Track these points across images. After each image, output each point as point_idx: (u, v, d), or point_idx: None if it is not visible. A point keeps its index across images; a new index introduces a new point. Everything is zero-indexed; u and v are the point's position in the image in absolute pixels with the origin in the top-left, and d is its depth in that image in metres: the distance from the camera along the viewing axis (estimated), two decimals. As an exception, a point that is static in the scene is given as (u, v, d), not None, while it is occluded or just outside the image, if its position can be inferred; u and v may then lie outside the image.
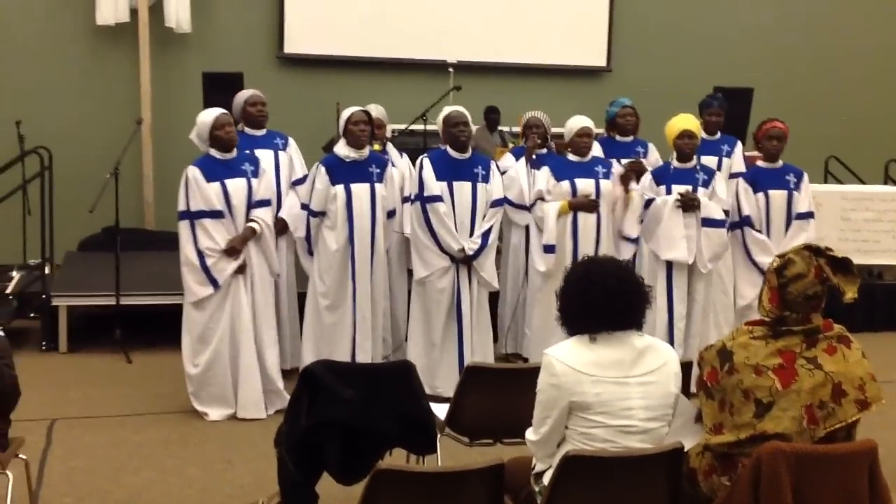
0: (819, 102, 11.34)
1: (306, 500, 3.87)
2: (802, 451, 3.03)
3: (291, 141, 6.43)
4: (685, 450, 3.35)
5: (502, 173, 6.71)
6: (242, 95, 6.27)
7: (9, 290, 7.31)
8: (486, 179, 6.10)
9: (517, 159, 6.78)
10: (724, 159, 6.98)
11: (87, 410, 5.71)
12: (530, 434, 3.26)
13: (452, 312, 6.05)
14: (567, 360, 3.11)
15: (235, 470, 4.88)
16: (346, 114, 5.96)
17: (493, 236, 6.09)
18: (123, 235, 7.58)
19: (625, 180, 6.31)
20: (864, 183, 9.88)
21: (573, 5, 10.86)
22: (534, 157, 6.62)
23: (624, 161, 6.66)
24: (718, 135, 7.09)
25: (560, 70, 10.89)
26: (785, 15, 11.37)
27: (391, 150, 6.78)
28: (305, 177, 6.22)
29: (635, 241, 6.30)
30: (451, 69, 9.59)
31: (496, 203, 6.15)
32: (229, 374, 5.66)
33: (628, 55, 10.97)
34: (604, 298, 3.13)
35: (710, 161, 6.88)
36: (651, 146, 7.14)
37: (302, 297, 6.17)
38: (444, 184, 6.01)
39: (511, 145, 9.24)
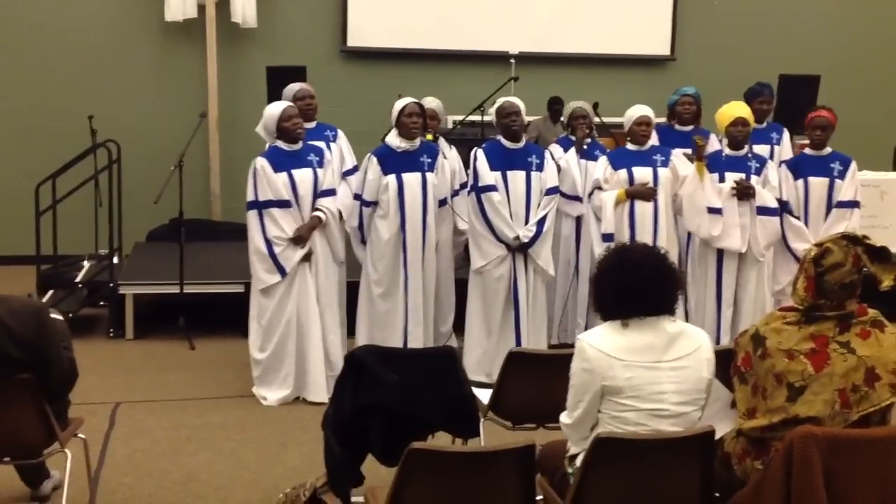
0: (888, 89, 11.09)
1: (351, 480, 3.99)
2: (834, 435, 3.04)
3: (341, 133, 6.55)
4: (720, 435, 3.39)
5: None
6: (291, 89, 6.39)
7: (78, 279, 7.57)
8: (539, 168, 6.16)
9: (565, 150, 6.79)
10: (775, 147, 6.93)
11: (150, 394, 5.91)
12: (564, 417, 3.32)
13: (510, 300, 6.13)
14: (599, 345, 3.15)
15: (289, 452, 5.02)
16: (399, 105, 6.05)
17: (548, 223, 6.13)
18: (190, 226, 7.82)
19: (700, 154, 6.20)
20: (934, 171, 9.66)
21: (637, -6, 10.80)
22: (584, 146, 6.64)
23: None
24: (765, 124, 7.02)
25: (623, 60, 10.82)
26: (852, 2, 11.15)
27: (442, 143, 6.84)
28: (355, 168, 6.33)
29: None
30: (512, 60, 9.63)
31: (550, 191, 6.19)
32: (294, 358, 5.82)
33: (692, 44, 10.85)
34: (636, 285, 3.16)
35: (762, 150, 6.85)
36: (712, 135, 7.09)
37: (355, 286, 6.27)
38: (498, 173, 6.07)
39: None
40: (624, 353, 3.13)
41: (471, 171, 6.16)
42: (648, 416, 3.13)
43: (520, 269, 6.12)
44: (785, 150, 7.06)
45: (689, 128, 7.02)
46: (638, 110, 6.40)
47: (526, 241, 6.05)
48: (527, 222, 6.09)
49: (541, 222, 6.10)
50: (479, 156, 6.11)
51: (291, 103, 5.98)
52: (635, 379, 3.12)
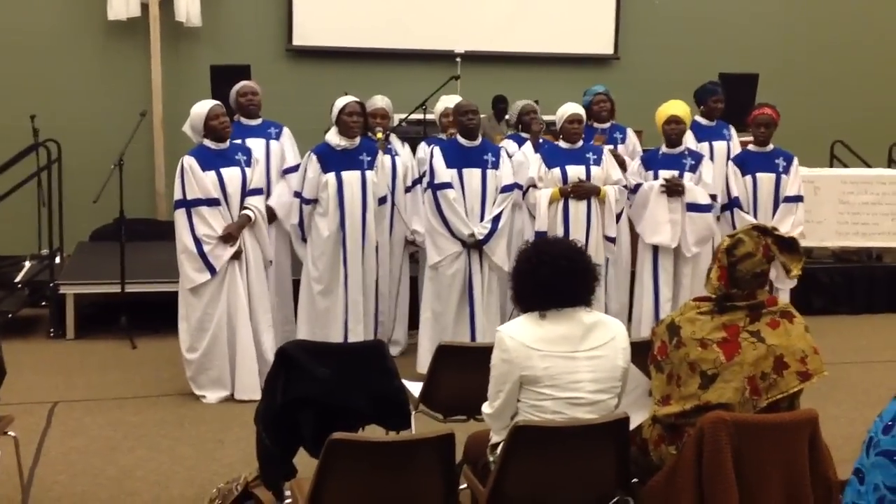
0: (825, 87, 11.34)
1: (283, 474, 4.02)
2: (742, 419, 3.15)
3: (286, 130, 6.59)
4: (639, 422, 3.49)
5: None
6: (235, 87, 6.44)
7: (18, 279, 7.54)
8: (495, 166, 6.24)
9: (519, 146, 6.88)
10: (730, 143, 7.10)
11: (88, 394, 5.90)
12: (486, 407, 3.40)
13: (465, 296, 6.21)
14: (517, 336, 3.24)
15: (225, 449, 5.05)
16: (340, 103, 6.10)
17: (503, 221, 6.21)
18: (134, 226, 7.81)
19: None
20: (869, 167, 9.88)
21: (580, -6, 10.93)
22: (540, 140, 6.74)
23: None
24: (715, 122, 7.19)
25: (568, 59, 10.94)
26: (790, 2, 11.37)
27: (394, 140, 6.90)
28: (297, 166, 6.38)
29: (613, 240, 6.36)
30: (458, 59, 9.70)
31: (506, 189, 6.27)
32: (226, 357, 5.84)
33: (635, 43, 11.02)
34: (553, 277, 3.25)
35: (719, 146, 7.03)
36: (629, 131, 7.26)
37: (296, 284, 6.31)
38: (454, 171, 6.15)
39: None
40: (541, 344, 3.22)
41: (427, 169, 6.23)
42: (565, 404, 3.21)
43: (475, 265, 6.20)
44: (735, 146, 7.23)
45: (607, 125, 7.16)
46: (570, 108, 6.45)
47: (481, 237, 6.13)
48: (482, 219, 6.17)
49: (496, 219, 6.18)
50: (436, 153, 6.18)
51: (218, 102, 5.97)
52: (552, 368, 3.20)
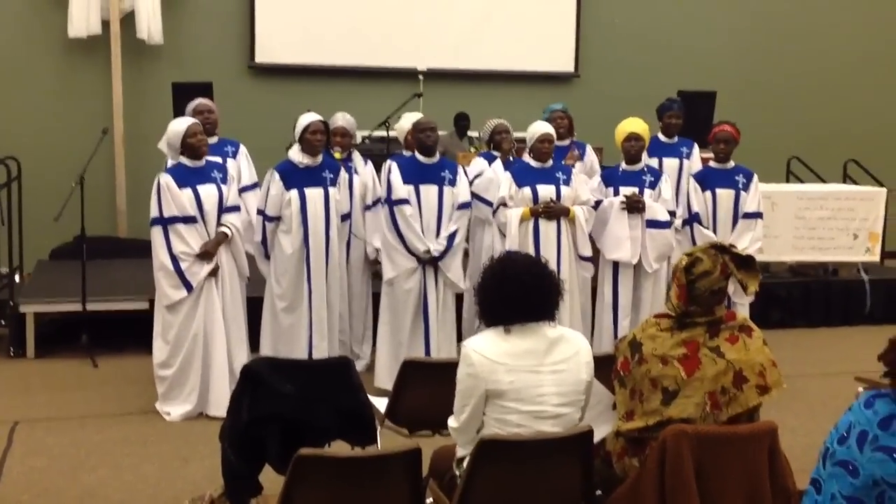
0: (781, 105, 11.55)
1: (249, 490, 4.02)
2: (704, 432, 3.21)
3: (242, 148, 6.60)
4: (602, 436, 3.54)
5: (477, 176, 6.90)
6: (191, 105, 6.44)
7: (-25, 298, 7.46)
8: (452, 183, 6.28)
9: (489, 164, 6.94)
10: (685, 161, 7.20)
11: (50, 412, 5.86)
12: (451, 421, 3.43)
13: (419, 312, 6.24)
14: (483, 351, 3.28)
15: (190, 467, 5.03)
16: (303, 121, 6.10)
17: (459, 238, 6.26)
18: (95, 243, 7.77)
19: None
20: (825, 182, 10.08)
21: (541, 13, 11.05)
22: (510, 158, 6.80)
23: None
24: (676, 138, 7.29)
25: (529, 76, 11.07)
26: (747, 21, 11.58)
27: (356, 157, 6.93)
28: (255, 185, 6.39)
29: (590, 259, 6.43)
30: (420, 76, 9.77)
31: (463, 206, 6.32)
32: (200, 374, 5.84)
33: (595, 61, 11.17)
34: (517, 292, 3.29)
35: (671, 163, 7.11)
36: (588, 147, 7.36)
37: (257, 301, 6.31)
38: (411, 187, 6.19)
39: (473, 150, 9.43)
40: (507, 358, 3.26)
41: (383, 184, 6.26)
42: (530, 417, 3.26)
43: (430, 281, 6.23)
44: (695, 163, 7.32)
45: (566, 142, 7.24)
46: (540, 127, 6.47)
47: (437, 254, 6.17)
48: (438, 236, 6.21)
49: (451, 236, 6.23)
50: (393, 169, 6.22)
51: (196, 120, 6.00)
52: (517, 382, 3.24)
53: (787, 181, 10.48)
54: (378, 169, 6.91)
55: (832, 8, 11.86)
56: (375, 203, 6.68)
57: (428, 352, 6.19)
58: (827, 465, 2.40)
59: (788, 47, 11.64)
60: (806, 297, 8.65)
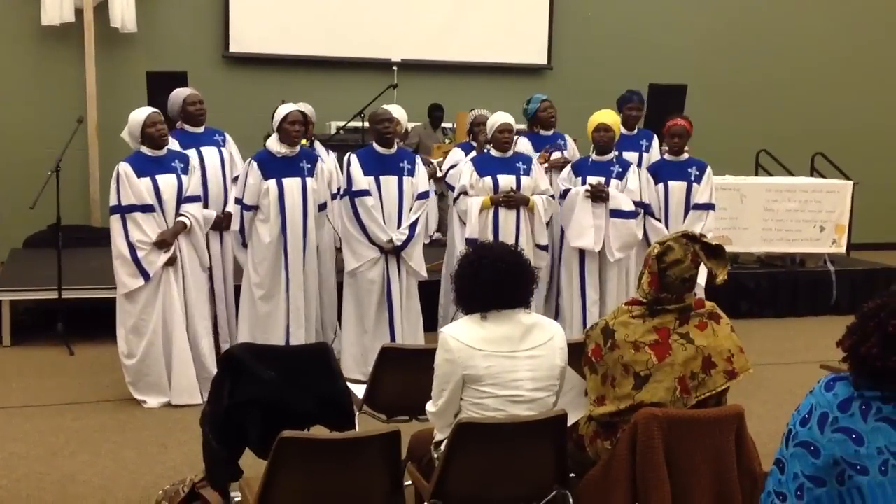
0: (751, 99, 11.73)
1: (229, 475, 4.09)
2: (673, 415, 3.32)
3: (229, 137, 6.65)
4: (574, 420, 3.64)
5: (452, 167, 6.97)
6: (181, 94, 6.45)
7: (-49, 286, 7.45)
8: (411, 173, 6.36)
9: (466, 154, 7.01)
10: (644, 154, 7.29)
11: (27, 400, 5.89)
12: (430, 406, 3.53)
13: (383, 301, 6.32)
14: (460, 337, 3.37)
15: (169, 453, 5.09)
16: (282, 111, 6.15)
17: (419, 227, 6.35)
18: (69, 232, 7.78)
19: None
20: (793, 175, 10.25)
21: (515, 5, 11.16)
22: (486, 151, 6.87)
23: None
24: (637, 130, 7.39)
25: (502, 68, 11.17)
26: (719, 17, 11.74)
27: (319, 147, 6.99)
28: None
29: (546, 248, 6.57)
30: (394, 67, 9.84)
31: (421, 195, 6.40)
32: (163, 363, 5.87)
33: (568, 54, 11.29)
34: (493, 280, 3.39)
35: (630, 156, 7.19)
36: (568, 138, 7.43)
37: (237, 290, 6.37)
38: (372, 178, 6.26)
39: (448, 141, 9.52)
40: (483, 344, 3.36)
41: (344, 176, 6.33)
42: (506, 401, 3.36)
43: (392, 270, 6.32)
44: (654, 155, 7.41)
45: (552, 132, 7.32)
46: (500, 117, 6.54)
47: (399, 244, 6.25)
48: (399, 226, 6.29)
49: (413, 225, 6.31)
50: (353, 161, 6.28)
51: (156, 109, 6.01)
52: (494, 367, 3.34)
53: (756, 174, 10.65)
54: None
55: (802, 6, 12.05)
56: (340, 192, 6.69)
57: (393, 339, 6.28)
58: (789, 446, 2.50)
59: (759, 43, 11.81)
60: (774, 287, 8.81)
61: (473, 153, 6.95)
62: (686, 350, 3.46)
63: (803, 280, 8.91)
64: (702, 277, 6.22)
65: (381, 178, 6.27)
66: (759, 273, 8.85)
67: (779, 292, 8.82)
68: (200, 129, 6.48)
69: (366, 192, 6.21)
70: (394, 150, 6.36)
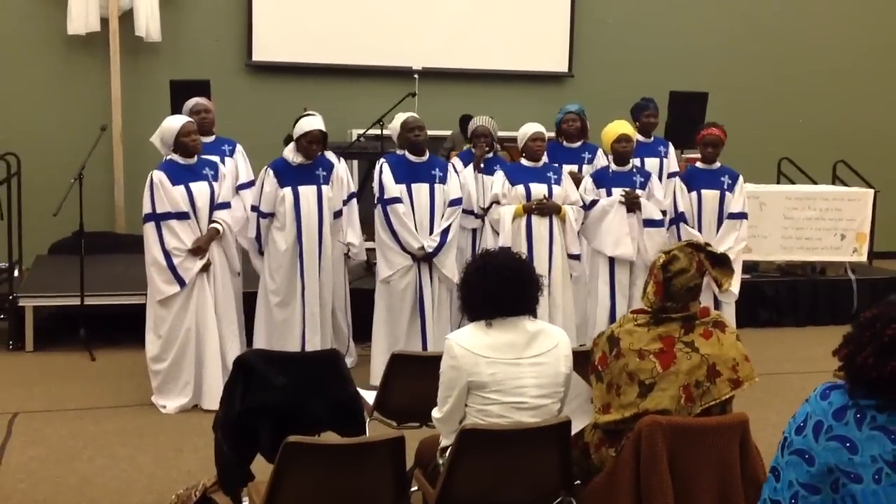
0: (773, 106, 11.67)
1: (241, 479, 4.14)
2: (677, 423, 3.34)
3: (239, 147, 6.72)
4: (580, 427, 3.67)
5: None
6: (188, 104, 6.55)
7: (-23, 292, 7.58)
8: (443, 181, 6.41)
9: (465, 164, 7.04)
10: (664, 160, 7.30)
11: (48, 405, 5.98)
12: (435, 412, 3.57)
13: (416, 309, 6.36)
14: (465, 344, 3.41)
15: (184, 457, 5.16)
16: (304, 127, 6.19)
17: (452, 234, 6.38)
18: (93, 239, 7.88)
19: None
20: (815, 183, 10.20)
21: (536, 13, 11.15)
22: (482, 164, 6.89)
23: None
24: (653, 137, 7.39)
25: (523, 76, 11.18)
26: (740, 22, 11.69)
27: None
28: (251, 182, 6.51)
29: (578, 257, 6.56)
30: (416, 76, 9.88)
31: (454, 203, 6.44)
32: (194, 367, 5.96)
33: (589, 61, 11.27)
34: (499, 287, 3.43)
35: (651, 163, 7.21)
36: (599, 151, 7.38)
37: (251, 297, 6.43)
38: (403, 186, 6.31)
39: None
40: (488, 351, 3.39)
41: (376, 184, 6.37)
42: (510, 408, 3.39)
43: (425, 277, 6.36)
44: (672, 163, 7.44)
45: (577, 144, 7.31)
46: (532, 127, 6.60)
47: (430, 251, 6.29)
48: (431, 233, 6.33)
49: (445, 232, 6.35)
50: (385, 169, 6.33)
51: (191, 119, 6.12)
52: (498, 374, 3.38)
53: (778, 182, 10.61)
54: (373, 166, 7.03)
55: (823, 11, 11.98)
56: (350, 198, 6.70)
57: (425, 346, 6.30)
58: (785, 454, 2.52)
59: (780, 50, 11.76)
60: (794, 296, 8.77)
61: (471, 165, 6.91)
62: (691, 359, 3.47)
63: (823, 289, 8.86)
64: (735, 286, 6.32)
65: (413, 185, 6.32)
66: (779, 281, 8.82)
67: (799, 301, 8.78)
68: (209, 138, 6.53)
69: (397, 200, 6.26)
70: (425, 157, 6.41)
